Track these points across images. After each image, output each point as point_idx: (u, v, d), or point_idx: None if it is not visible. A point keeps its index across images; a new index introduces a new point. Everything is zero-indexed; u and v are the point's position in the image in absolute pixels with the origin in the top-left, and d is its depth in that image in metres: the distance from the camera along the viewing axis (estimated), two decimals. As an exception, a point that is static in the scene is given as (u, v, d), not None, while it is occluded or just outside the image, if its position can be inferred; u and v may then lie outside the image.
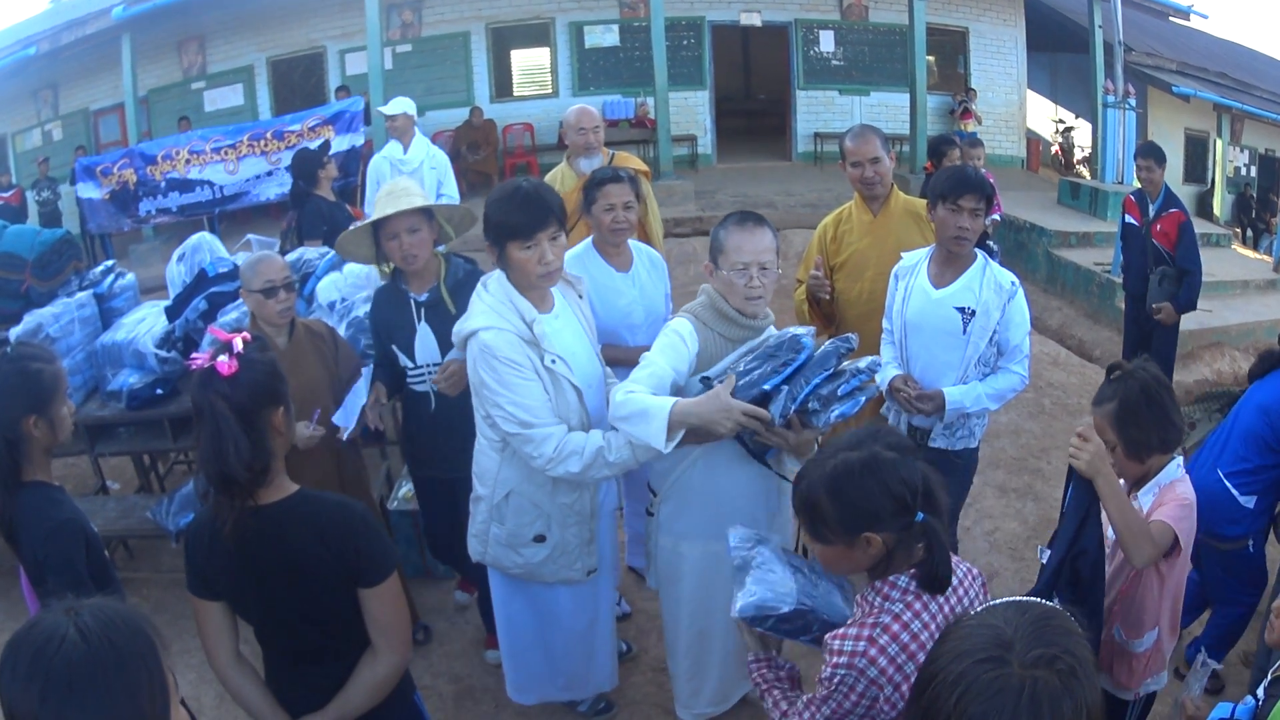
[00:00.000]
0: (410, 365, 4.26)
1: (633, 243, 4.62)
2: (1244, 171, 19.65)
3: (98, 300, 6.03)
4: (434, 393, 4.23)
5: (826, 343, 3.25)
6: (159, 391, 5.42)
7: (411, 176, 7.89)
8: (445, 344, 4.08)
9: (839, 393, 3.11)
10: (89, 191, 13.02)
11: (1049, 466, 6.61)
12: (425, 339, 4.21)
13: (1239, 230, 17.77)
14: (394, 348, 4.26)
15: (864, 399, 3.16)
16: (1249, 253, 14.94)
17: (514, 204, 3.36)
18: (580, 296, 3.79)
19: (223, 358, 2.45)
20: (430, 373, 4.21)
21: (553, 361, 3.39)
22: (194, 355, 2.53)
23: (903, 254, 4.40)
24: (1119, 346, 8.29)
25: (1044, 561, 3.05)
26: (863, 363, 3.20)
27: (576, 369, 3.49)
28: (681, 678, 4.01)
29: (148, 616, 1.61)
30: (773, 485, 3.64)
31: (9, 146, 17.44)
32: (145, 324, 5.70)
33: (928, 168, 7.69)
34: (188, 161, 12.76)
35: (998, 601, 1.67)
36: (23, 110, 17.33)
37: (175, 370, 5.45)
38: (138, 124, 14.90)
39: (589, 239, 4.53)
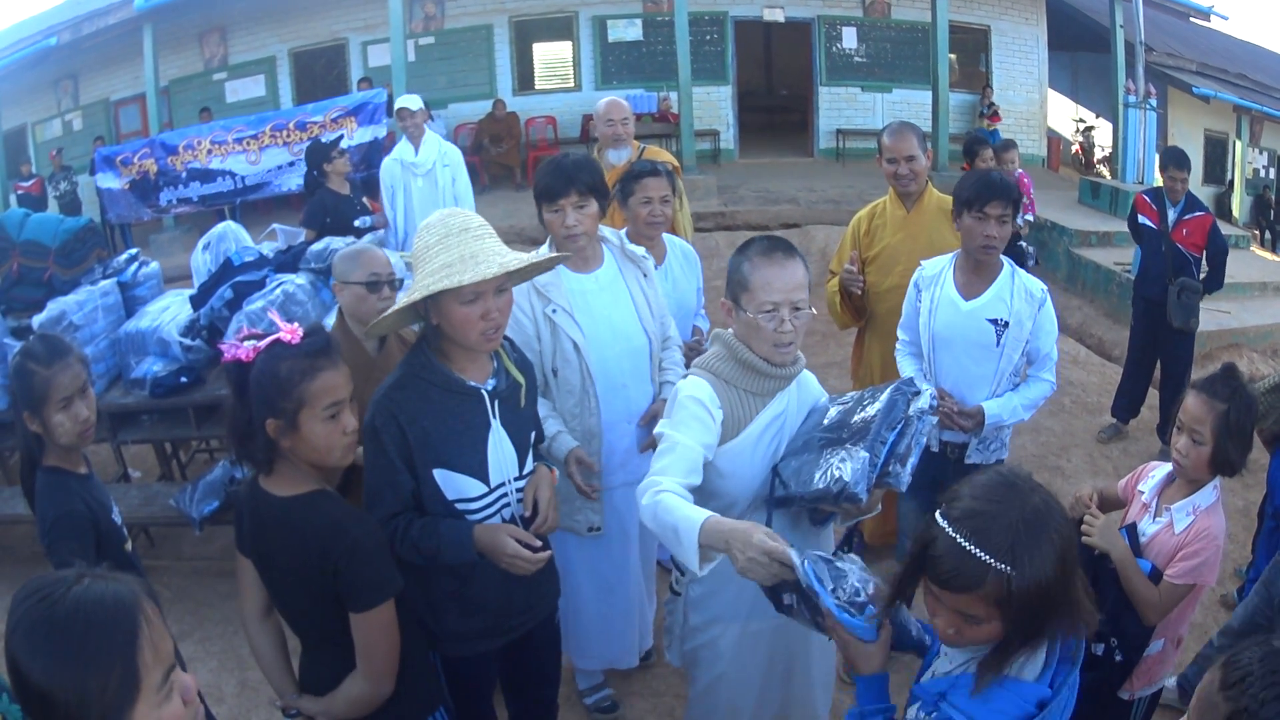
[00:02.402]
0: (479, 492, 2.95)
1: (666, 236, 4.63)
2: (1263, 173, 19.58)
3: (121, 288, 6.06)
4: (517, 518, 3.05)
5: (887, 391, 2.84)
6: (183, 379, 5.43)
7: (425, 178, 7.87)
8: (522, 449, 3.08)
9: (913, 445, 2.74)
10: (109, 181, 13.08)
11: (1069, 464, 6.61)
12: (501, 447, 2.98)
13: (1258, 233, 17.70)
14: (440, 473, 2.88)
15: (924, 440, 2.82)
16: (1268, 255, 14.87)
17: (546, 171, 3.64)
18: (645, 275, 3.91)
19: (249, 343, 2.48)
20: (508, 494, 3.03)
21: (553, 311, 3.58)
22: (227, 344, 2.55)
23: (922, 262, 4.27)
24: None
25: None
26: (923, 400, 2.86)
27: (594, 331, 3.64)
28: None
29: (144, 606, 1.59)
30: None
31: (29, 136, 17.56)
32: (169, 312, 5.73)
33: (965, 168, 7.67)
34: (209, 151, 12.79)
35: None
36: (43, 100, 17.44)
37: (199, 358, 5.47)
38: (159, 114, 15.02)
39: (623, 230, 4.49)
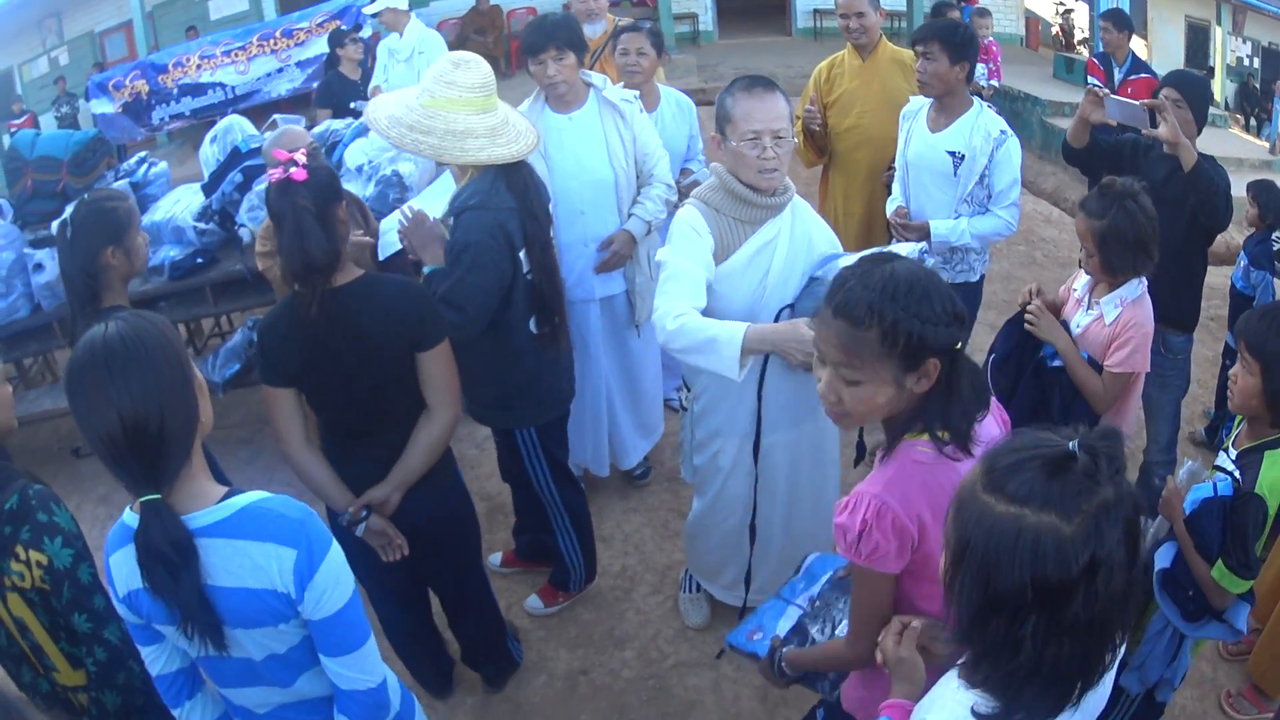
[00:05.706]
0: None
1: (662, 87, 5.12)
2: (1246, 62, 19.60)
3: (134, 189, 6.13)
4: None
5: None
6: (199, 261, 5.66)
7: (406, 64, 8.00)
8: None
9: None
10: (102, 107, 13.05)
11: (1039, 308, 6.99)
12: None
13: (1241, 118, 17.83)
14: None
15: None
16: (1249, 137, 15.11)
17: (530, 29, 4.13)
18: (623, 118, 4.26)
19: (295, 168, 2.83)
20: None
21: None
22: (270, 171, 2.92)
23: (911, 98, 4.75)
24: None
25: None
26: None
27: (561, 163, 4.20)
28: (704, 559, 4.03)
29: (166, 322, 2.08)
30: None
31: (16, 77, 17.52)
32: (180, 204, 5.92)
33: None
34: (199, 66, 12.78)
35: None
36: (27, 41, 17.24)
37: (214, 240, 5.71)
38: (146, 40, 15.10)
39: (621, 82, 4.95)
